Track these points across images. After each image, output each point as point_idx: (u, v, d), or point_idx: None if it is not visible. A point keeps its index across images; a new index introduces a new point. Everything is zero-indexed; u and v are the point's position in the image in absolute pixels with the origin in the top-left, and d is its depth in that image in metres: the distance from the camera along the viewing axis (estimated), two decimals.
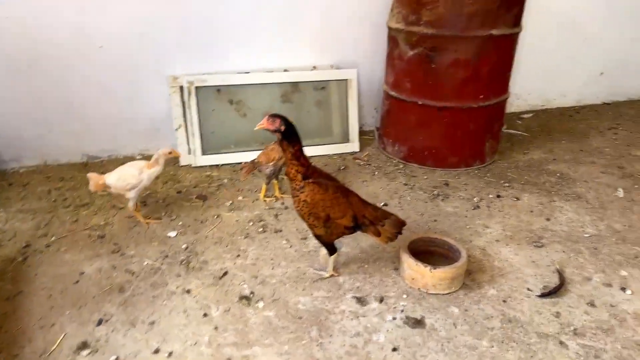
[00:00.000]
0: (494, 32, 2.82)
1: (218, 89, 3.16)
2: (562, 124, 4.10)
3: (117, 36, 2.98)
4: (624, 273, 2.20)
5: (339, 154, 3.43)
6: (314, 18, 3.37)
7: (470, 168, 3.21)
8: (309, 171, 1.90)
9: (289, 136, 1.83)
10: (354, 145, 3.47)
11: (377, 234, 1.99)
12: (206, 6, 3.08)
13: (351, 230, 1.99)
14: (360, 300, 2.01)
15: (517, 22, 2.94)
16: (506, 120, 4.02)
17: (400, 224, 2.03)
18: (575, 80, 4.44)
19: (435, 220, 2.62)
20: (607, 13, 4.19)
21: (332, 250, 2.08)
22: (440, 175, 3.14)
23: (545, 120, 4.19)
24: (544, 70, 4.26)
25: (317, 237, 2.04)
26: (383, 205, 2.77)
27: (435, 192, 2.91)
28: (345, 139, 3.47)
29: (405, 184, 3.02)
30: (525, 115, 4.27)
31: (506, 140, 3.67)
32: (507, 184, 3.02)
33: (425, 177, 3.12)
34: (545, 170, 3.23)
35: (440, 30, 2.84)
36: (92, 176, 2.37)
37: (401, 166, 3.27)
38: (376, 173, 3.17)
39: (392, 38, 3.15)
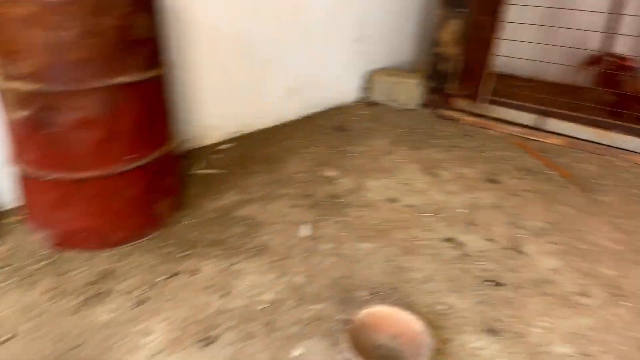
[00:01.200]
0: (123, 79, 2.26)
1: None
2: (261, 150, 3.90)
3: None
4: (296, 352, 1.94)
5: None
6: None
7: (144, 240, 2.64)
8: None
9: None
10: None
11: None
12: None
13: None
14: None
15: (152, 64, 2.44)
16: (202, 157, 3.64)
17: None
18: (269, 99, 4.34)
19: (78, 347, 1.94)
20: (281, 34, 4.16)
21: None
22: (106, 259, 2.47)
23: (245, 148, 3.93)
24: (236, 96, 4.01)
25: None
26: (10, 337, 1.96)
27: (91, 292, 2.24)
28: None
29: (52, 289, 2.25)
30: (224, 146, 3.94)
31: (200, 184, 3.24)
32: (187, 252, 2.55)
33: (84, 268, 2.41)
34: (235, 218, 2.89)
35: (49, 84, 2.14)
36: None
37: (54, 258, 2.47)
38: (11, 280, 2.31)
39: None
